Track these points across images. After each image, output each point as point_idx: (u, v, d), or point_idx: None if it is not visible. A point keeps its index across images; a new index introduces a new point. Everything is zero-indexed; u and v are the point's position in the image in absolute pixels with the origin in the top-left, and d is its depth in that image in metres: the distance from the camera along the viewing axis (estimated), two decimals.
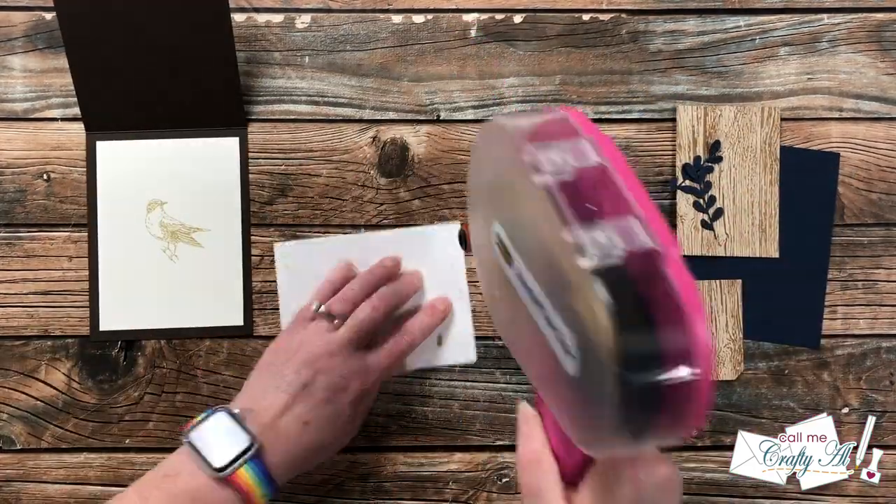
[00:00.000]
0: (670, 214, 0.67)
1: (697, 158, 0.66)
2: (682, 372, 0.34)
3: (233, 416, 0.54)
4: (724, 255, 0.66)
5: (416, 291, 0.63)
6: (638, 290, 0.35)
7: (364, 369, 0.57)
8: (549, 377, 0.42)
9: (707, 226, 0.66)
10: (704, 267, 0.66)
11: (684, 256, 0.66)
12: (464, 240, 0.58)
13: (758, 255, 0.66)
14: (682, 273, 0.35)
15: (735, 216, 0.66)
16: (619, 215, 0.36)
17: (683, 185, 0.66)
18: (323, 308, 0.58)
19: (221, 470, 0.52)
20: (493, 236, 0.45)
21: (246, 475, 0.52)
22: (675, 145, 0.67)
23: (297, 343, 0.57)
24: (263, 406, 0.55)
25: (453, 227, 0.64)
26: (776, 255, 0.66)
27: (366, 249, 0.63)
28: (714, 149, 0.66)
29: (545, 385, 0.45)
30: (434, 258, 0.63)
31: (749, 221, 0.66)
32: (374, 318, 0.58)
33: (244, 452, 0.53)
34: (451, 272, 0.63)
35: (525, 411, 0.49)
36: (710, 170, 0.66)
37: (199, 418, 0.54)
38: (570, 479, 0.45)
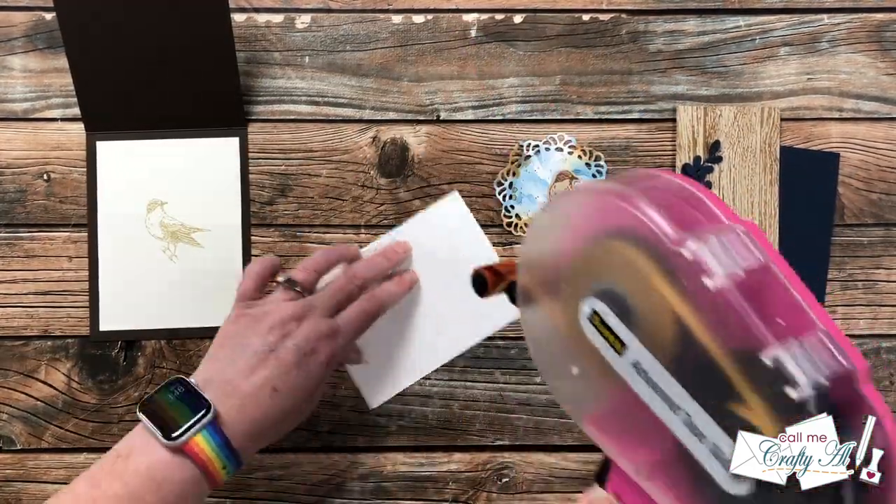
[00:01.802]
0: None
1: (697, 158, 0.66)
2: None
3: (188, 384, 0.51)
4: None
5: (396, 263, 0.62)
6: (840, 416, 0.33)
7: (333, 333, 0.55)
8: (677, 479, 0.38)
9: None
10: None
11: None
12: (482, 285, 0.49)
13: None
14: (874, 393, 0.33)
15: None
16: (804, 329, 0.33)
17: None
18: (291, 280, 0.56)
19: (175, 438, 0.48)
20: (584, 311, 0.39)
21: (203, 444, 0.49)
22: (675, 145, 0.67)
23: (260, 312, 0.55)
24: (228, 375, 0.52)
25: (452, 199, 0.64)
26: None
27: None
28: (714, 149, 0.66)
29: (662, 481, 0.40)
30: (446, 235, 0.63)
31: None
32: (346, 290, 0.57)
33: (200, 420, 0.49)
34: (470, 239, 0.63)
35: (596, 498, 0.43)
36: (710, 170, 0.66)
37: (154, 390, 0.52)
38: None
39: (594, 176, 0.66)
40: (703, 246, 0.33)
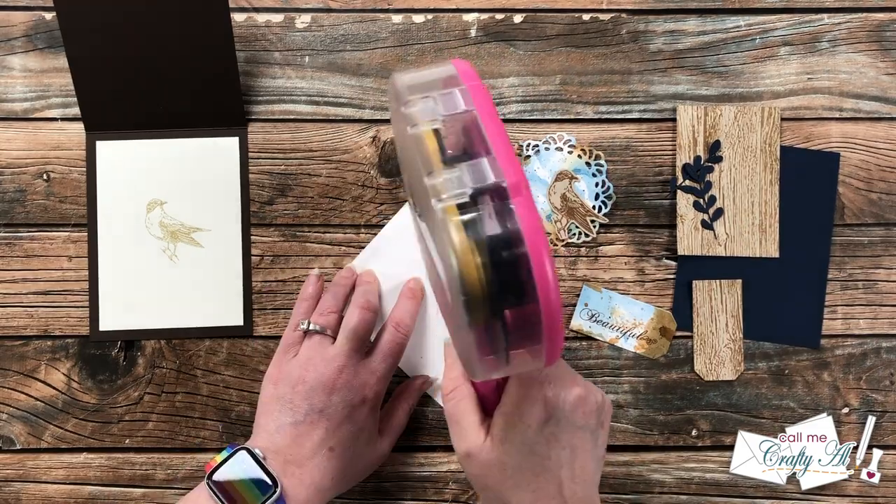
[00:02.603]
0: (670, 214, 0.67)
1: (697, 158, 0.66)
2: (523, 301, 0.36)
3: (253, 456, 0.52)
4: (724, 255, 0.66)
5: (378, 287, 0.63)
6: (484, 226, 0.37)
7: (373, 374, 0.56)
8: (446, 312, 0.45)
9: (707, 226, 0.66)
10: (704, 267, 0.66)
11: (684, 256, 0.66)
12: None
13: (758, 255, 0.66)
14: (527, 206, 0.37)
15: (735, 216, 0.66)
16: (475, 157, 0.39)
17: (683, 185, 0.66)
18: (314, 325, 0.57)
19: None
20: (407, 193, 0.48)
21: None
22: (675, 145, 0.67)
23: (298, 368, 0.56)
24: (282, 443, 0.53)
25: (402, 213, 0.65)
26: (776, 254, 0.66)
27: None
28: (714, 149, 0.66)
29: (447, 322, 0.47)
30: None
31: (749, 221, 0.66)
32: (366, 321, 0.58)
33: (268, 498, 0.50)
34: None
35: (448, 344, 0.50)
36: (710, 170, 0.66)
37: (220, 458, 0.52)
38: (490, 408, 0.48)
39: (594, 175, 0.66)
40: (417, 104, 0.41)
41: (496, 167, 0.37)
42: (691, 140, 0.66)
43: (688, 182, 0.66)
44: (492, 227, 0.36)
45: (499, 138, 0.38)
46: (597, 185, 0.66)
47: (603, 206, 0.66)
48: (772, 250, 0.66)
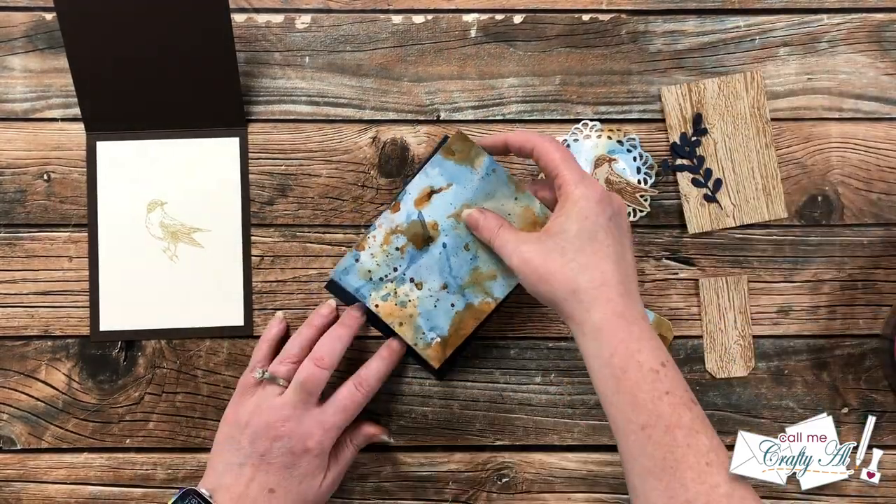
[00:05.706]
0: (669, 214, 0.67)
1: (683, 135, 0.66)
2: None
3: (202, 497, 0.55)
4: (734, 225, 0.66)
5: (356, 329, 0.60)
6: None
7: (320, 426, 0.57)
8: None
9: (710, 199, 0.66)
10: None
11: (696, 235, 0.66)
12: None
13: (767, 220, 0.66)
14: None
15: (737, 185, 0.66)
16: None
17: (676, 164, 0.66)
18: (267, 374, 0.58)
19: None
20: None
21: None
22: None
23: (248, 413, 0.57)
24: (227, 482, 0.56)
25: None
26: (784, 215, 0.66)
27: None
28: (696, 122, 0.66)
29: None
30: None
31: (753, 187, 0.66)
32: (316, 377, 0.57)
33: None
34: None
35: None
36: (699, 143, 0.66)
37: (170, 502, 0.55)
38: None
39: (629, 151, 0.66)
40: None
41: None
42: (681, 119, 0.66)
43: (679, 161, 0.66)
44: None
45: None
46: (634, 159, 0.66)
47: (647, 179, 0.66)
48: (780, 211, 0.66)
